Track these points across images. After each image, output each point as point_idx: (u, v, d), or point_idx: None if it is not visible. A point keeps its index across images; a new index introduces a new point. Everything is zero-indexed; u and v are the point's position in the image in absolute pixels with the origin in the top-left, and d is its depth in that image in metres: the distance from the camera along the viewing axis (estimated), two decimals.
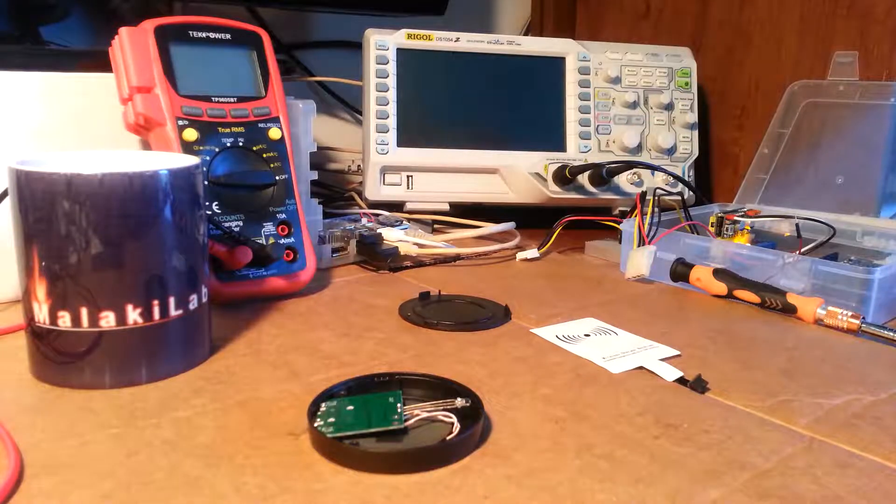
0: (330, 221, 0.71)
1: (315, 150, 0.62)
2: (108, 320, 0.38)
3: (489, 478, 0.31)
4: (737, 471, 0.33)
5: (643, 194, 0.66)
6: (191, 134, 0.51)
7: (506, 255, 0.70)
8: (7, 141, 0.51)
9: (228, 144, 0.53)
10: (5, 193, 0.40)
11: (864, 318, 0.50)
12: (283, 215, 0.55)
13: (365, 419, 0.34)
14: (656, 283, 0.62)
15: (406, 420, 0.34)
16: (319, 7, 0.92)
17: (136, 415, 0.36)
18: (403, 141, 0.78)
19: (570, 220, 0.70)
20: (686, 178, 0.83)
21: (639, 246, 0.63)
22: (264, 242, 0.53)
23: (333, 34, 0.98)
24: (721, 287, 0.57)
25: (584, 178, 0.79)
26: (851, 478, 0.32)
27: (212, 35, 0.55)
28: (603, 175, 0.77)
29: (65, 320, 0.38)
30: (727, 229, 0.68)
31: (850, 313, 0.50)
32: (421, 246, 0.69)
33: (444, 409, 0.36)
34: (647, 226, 0.63)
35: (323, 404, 0.36)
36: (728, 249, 0.60)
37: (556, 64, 0.83)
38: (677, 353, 0.46)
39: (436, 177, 0.79)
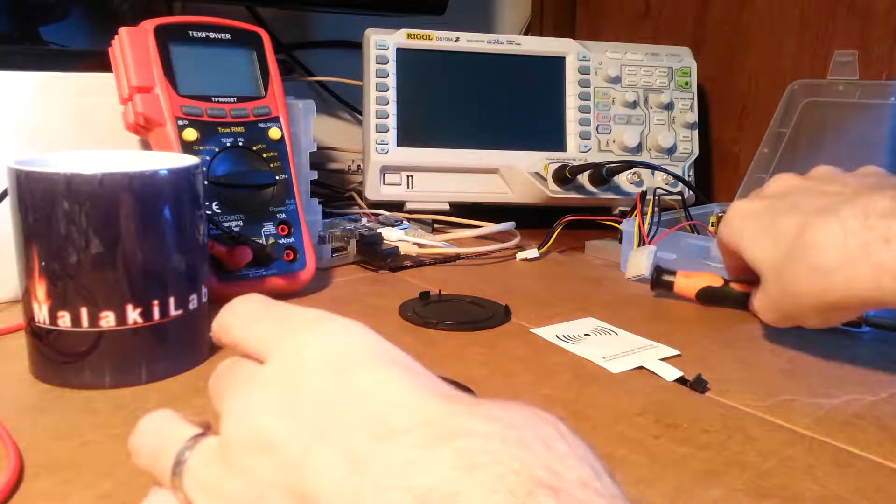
0: (330, 221, 0.71)
1: (315, 150, 0.62)
2: (108, 320, 0.38)
3: None
4: (737, 470, 0.33)
5: (643, 194, 0.66)
6: (191, 134, 0.51)
7: (506, 255, 0.70)
8: (7, 141, 0.51)
9: (228, 144, 0.53)
10: (5, 193, 0.40)
11: None
12: (283, 215, 0.55)
13: None
14: None
15: None
16: (319, 7, 0.92)
17: (137, 415, 0.36)
18: (403, 141, 0.78)
19: (570, 220, 0.70)
20: (686, 178, 0.83)
21: (639, 246, 0.62)
22: (264, 242, 0.53)
23: (333, 34, 0.98)
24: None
25: (584, 178, 0.79)
26: (851, 477, 0.32)
27: (212, 35, 0.55)
28: (603, 175, 0.77)
29: (65, 320, 0.38)
30: None
31: None
32: (421, 246, 0.69)
33: None
34: (647, 226, 0.63)
35: None
36: None
37: (556, 64, 0.83)
38: (677, 352, 0.46)
39: (436, 177, 0.79)
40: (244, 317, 0.24)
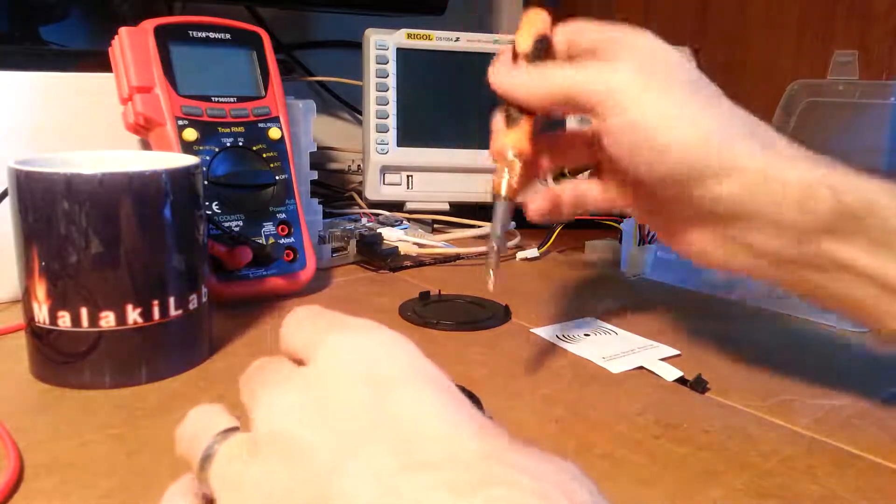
0: (330, 221, 0.71)
1: (315, 150, 0.62)
2: (107, 320, 0.38)
3: None
4: (737, 470, 0.33)
5: None
6: (191, 134, 0.51)
7: (506, 255, 0.70)
8: (7, 141, 0.51)
9: (228, 144, 0.53)
10: (5, 193, 0.40)
11: None
12: (283, 215, 0.55)
13: None
14: (656, 282, 0.62)
15: None
16: (319, 7, 0.92)
17: (136, 415, 0.36)
18: (403, 141, 0.78)
19: (570, 220, 0.70)
20: None
21: (639, 245, 0.63)
22: (264, 242, 0.53)
23: (333, 34, 0.98)
24: None
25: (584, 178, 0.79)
26: (851, 478, 0.32)
27: (211, 35, 0.55)
28: None
29: (65, 320, 0.38)
30: None
31: None
32: (421, 246, 0.69)
33: None
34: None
35: None
36: None
37: None
38: (677, 352, 0.46)
39: (436, 177, 0.79)
40: (296, 320, 0.24)
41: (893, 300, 0.33)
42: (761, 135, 0.35)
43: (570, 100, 0.36)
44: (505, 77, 0.39)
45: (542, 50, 0.40)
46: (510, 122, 0.40)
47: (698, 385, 0.41)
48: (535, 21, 0.42)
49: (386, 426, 0.19)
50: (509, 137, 0.39)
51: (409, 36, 0.78)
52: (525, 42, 0.41)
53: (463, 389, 0.37)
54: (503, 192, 0.39)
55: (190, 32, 0.54)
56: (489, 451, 0.18)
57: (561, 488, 0.18)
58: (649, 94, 0.34)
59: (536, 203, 0.41)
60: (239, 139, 0.54)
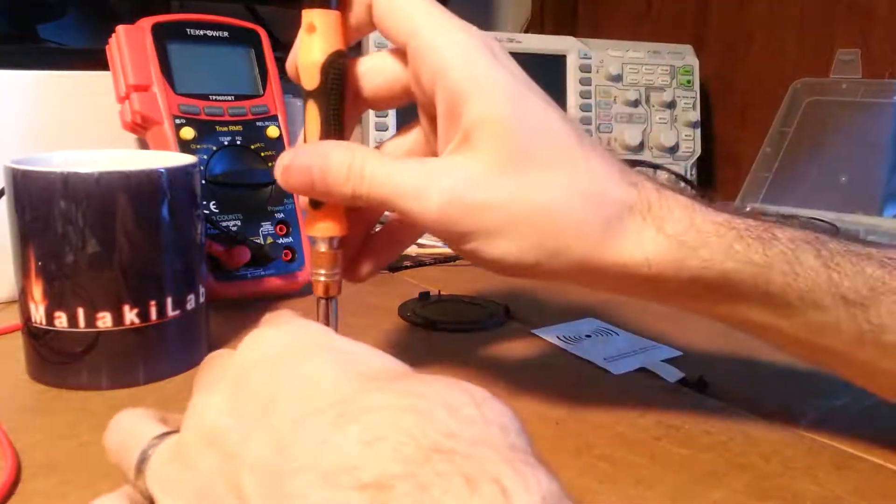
0: None
1: None
2: (105, 321, 0.38)
3: None
4: (738, 472, 0.32)
5: None
6: (188, 132, 0.51)
7: None
8: (3, 140, 0.51)
9: (226, 143, 0.53)
10: (2, 193, 0.39)
11: None
12: (282, 215, 0.55)
13: None
14: None
15: None
16: None
17: None
18: None
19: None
20: (689, 177, 0.83)
21: None
22: (262, 242, 0.53)
23: None
24: None
25: None
26: (851, 479, 0.32)
27: (209, 33, 0.54)
28: None
29: (61, 321, 0.38)
30: None
31: None
32: (421, 246, 0.69)
33: None
34: None
35: None
36: None
37: (557, 62, 0.83)
38: (679, 353, 0.46)
39: None
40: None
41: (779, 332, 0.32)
42: (607, 213, 0.30)
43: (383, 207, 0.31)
44: (285, 157, 0.31)
45: (335, 83, 0.31)
46: (314, 203, 0.32)
47: (700, 386, 0.41)
48: (327, 30, 0.31)
49: (287, 395, 0.19)
50: (317, 226, 0.32)
51: None
52: (309, 78, 0.31)
53: None
54: (320, 292, 0.33)
55: (187, 30, 0.54)
56: (373, 385, 0.19)
57: (444, 405, 0.18)
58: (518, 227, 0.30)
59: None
60: (237, 138, 0.53)
